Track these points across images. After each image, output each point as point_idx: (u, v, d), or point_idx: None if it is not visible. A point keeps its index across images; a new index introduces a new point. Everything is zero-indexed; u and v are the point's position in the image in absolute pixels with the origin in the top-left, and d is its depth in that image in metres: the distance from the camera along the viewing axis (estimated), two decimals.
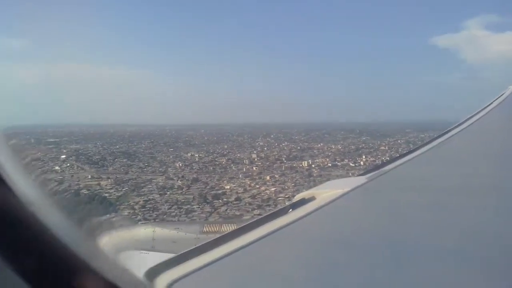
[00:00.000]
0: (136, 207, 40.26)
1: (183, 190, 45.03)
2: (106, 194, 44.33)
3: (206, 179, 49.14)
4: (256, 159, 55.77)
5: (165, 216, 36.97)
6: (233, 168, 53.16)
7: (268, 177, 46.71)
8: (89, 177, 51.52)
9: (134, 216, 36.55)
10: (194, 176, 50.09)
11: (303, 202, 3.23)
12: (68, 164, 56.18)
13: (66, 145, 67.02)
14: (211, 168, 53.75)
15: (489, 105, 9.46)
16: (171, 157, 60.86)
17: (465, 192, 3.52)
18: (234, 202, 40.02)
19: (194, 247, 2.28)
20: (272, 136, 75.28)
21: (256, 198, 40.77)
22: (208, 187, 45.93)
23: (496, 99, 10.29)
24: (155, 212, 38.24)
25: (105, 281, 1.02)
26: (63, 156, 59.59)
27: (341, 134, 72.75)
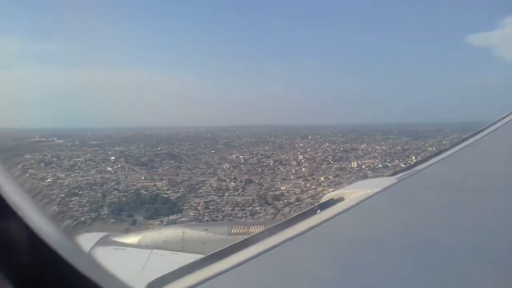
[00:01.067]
0: (199, 208, 41.07)
1: (239, 191, 45.76)
2: (165, 195, 45.38)
3: (259, 180, 49.86)
4: (302, 160, 56.32)
5: (231, 217, 37.88)
6: (282, 170, 53.74)
7: (322, 178, 47.30)
8: (142, 178, 52.68)
9: (200, 217, 37.57)
10: (246, 177, 50.76)
11: (331, 202, 3.22)
12: (119, 166, 57.49)
13: (110, 147, 68.67)
14: (260, 170, 54.38)
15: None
16: (215, 159, 61.78)
17: (497, 193, 3.40)
18: (296, 203, 40.68)
19: (214, 251, 2.26)
20: (309, 137, 75.77)
21: (316, 199, 41.35)
22: (263, 188, 46.61)
23: None
24: (220, 213, 39.17)
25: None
26: (113, 158, 60.99)
27: (378, 135, 72.93)
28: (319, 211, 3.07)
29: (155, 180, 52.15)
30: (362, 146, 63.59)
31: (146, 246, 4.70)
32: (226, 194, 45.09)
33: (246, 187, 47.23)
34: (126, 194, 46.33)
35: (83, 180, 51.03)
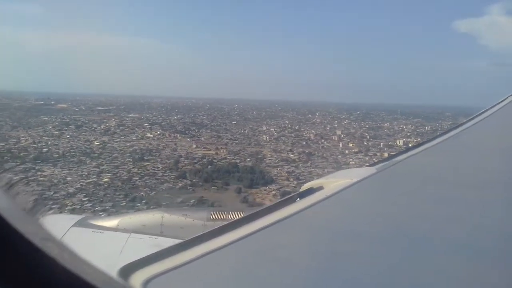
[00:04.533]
0: (290, 178, 41.22)
1: (308, 163, 46.43)
2: (241, 164, 44.95)
3: (316, 152, 50.82)
4: (342, 136, 57.99)
5: None
6: (327, 144, 54.90)
7: (386, 154, 49.14)
8: (194, 146, 51.42)
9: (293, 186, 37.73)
10: (300, 149, 51.44)
11: (311, 191, 3.28)
12: (158, 132, 55.62)
13: (124, 113, 66.13)
14: (304, 143, 55.23)
15: (506, 99, 9.26)
16: (246, 130, 61.69)
17: (475, 185, 3.55)
18: None
19: (193, 236, 2.30)
20: (316, 114, 77.67)
21: None
22: (329, 161, 47.60)
23: (506, 98, 10.05)
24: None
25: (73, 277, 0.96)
26: (146, 124, 58.81)
27: (383, 114, 76.30)
28: (298, 199, 3.09)
29: (208, 148, 51.27)
30: (385, 124, 66.35)
31: (125, 230, 4.77)
32: (300, 165, 45.53)
33: (311, 159, 47.94)
34: (195, 161, 45.25)
35: (133, 145, 48.95)
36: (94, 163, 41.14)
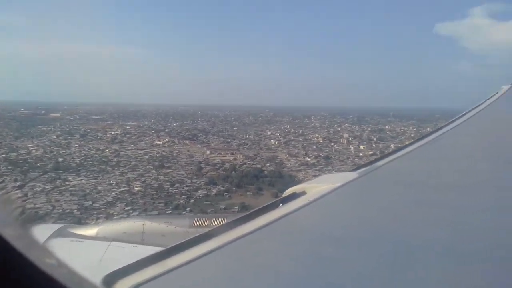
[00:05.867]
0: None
1: (329, 167, 46.17)
2: (263, 169, 44.28)
3: (331, 156, 50.75)
4: (350, 139, 58.24)
5: None
6: (336, 147, 54.98)
7: None
8: (208, 152, 50.39)
9: None
10: (315, 153, 51.28)
11: (294, 196, 3.28)
12: (166, 139, 54.30)
13: (122, 122, 64.59)
14: (314, 147, 55.12)
15: (484, 103, 9.61)
16: (251, 135, 61.09)
17: (456, 188, 3.60)
18: None
19: (174, 244, 2.27)
20: (312, 118, 78.02)
21: None
22: (348, 164, 47.53)
23: (490, 97, 10.71)
24: None
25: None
26: (153, 131, 57.42)
27: (377, 118, 77.38)
28: (281, 204, 3.10)
29: (223, 154, 50.31)
30: (386, 127, 67.18)
31: (105, 238, 4.71)
32: (323, 169, 45.17)
33: (331, 163, 47.76)
34: (217, 167, 44.24)
35: (146, 153, 47.51)
36: (117, 172, 39.86)
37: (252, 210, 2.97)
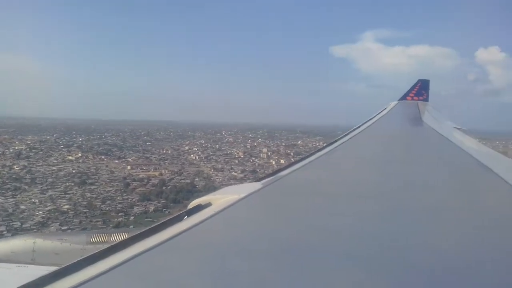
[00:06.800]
0: None
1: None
2: (198, 185, 42.49)
3: (257, 170, 50.65)
4: (270, 153, 58.88)
5: None
6: (258, 161, 55.12)
7: None
8: (128, 167, 47.08)
9: None
10: (241, 167, 50.87)
11: (199, 208, 3.26)
12: (79, 155, 49.83)
13: (20, 136, 59.03)
14: (237, 161, 54.79)
15: (373, 118, 10.54)
16: (169, 150, 58.91)
17: (351, 197, 3.82)
18: None
19: (73, 261, 2.11)
20: (223, 132, 78.18)
21: None
22: None
23: (379, 113, 11.74)
24: None
25: None
26: (62, 146, 52.54)
27: (285, 133, 79.99)
28: (186, 217, 3.03)
29: (145, 169, 47.49)
30: (299, 142, 69.14)
31: None
32: None
33: (258, 176, 47.49)
34: (144, 183, 41.57)
35: (60, 169, 43.18)
36: (35, 190, 35.72)
37: (156, 224, 2.81)
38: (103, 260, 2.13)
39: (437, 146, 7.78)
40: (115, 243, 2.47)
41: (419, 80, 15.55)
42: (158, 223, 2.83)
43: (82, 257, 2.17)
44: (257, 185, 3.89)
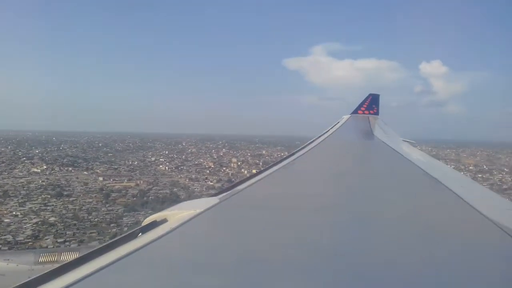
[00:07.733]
0: None
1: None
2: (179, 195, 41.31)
3: (232, 179, 50.19)
4: (239, 163, 58.62)
5: None
6: (229, 171, 54.76)
7: None
8: (101, 179, 45.00)
9: None
10: (216, 177, 50.26)
11: (154, 224, 3.14)
12: (45, 167, 47.03)
13: None
14: (208, 172, 54.10)
15: (328, 131, 10.93)
16: (136, 162, 57.25)
17: (307, 210, 3.85)
18: None
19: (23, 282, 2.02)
20: (184, 143, 77.27)
21: None
22: None
23: (333, 126, 12.08)
24: None
25: None
26: (24, 158, 49.43)
27: (246, 144, 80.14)
28: (140, 234, 2.89)
29: (119, 180, 45.68)
30: (263, 152, 69.32)
31: None
32: None
33: (231, 186, 46.99)
34: (123, 194, 40.02)
35: (29, 181, 40.67)
36: (11, 202, 33.16)
37: (108, 242, 2.71)
38: (51, 281, 2.00)
39: (386, 158, 8.24)
40: (64, 262, 2.30)
41: (370, 94, 15.98)
42: (111, 241, 2.69)
43: (29, 278, 2.02)
44: (213, 200, 3.77)
